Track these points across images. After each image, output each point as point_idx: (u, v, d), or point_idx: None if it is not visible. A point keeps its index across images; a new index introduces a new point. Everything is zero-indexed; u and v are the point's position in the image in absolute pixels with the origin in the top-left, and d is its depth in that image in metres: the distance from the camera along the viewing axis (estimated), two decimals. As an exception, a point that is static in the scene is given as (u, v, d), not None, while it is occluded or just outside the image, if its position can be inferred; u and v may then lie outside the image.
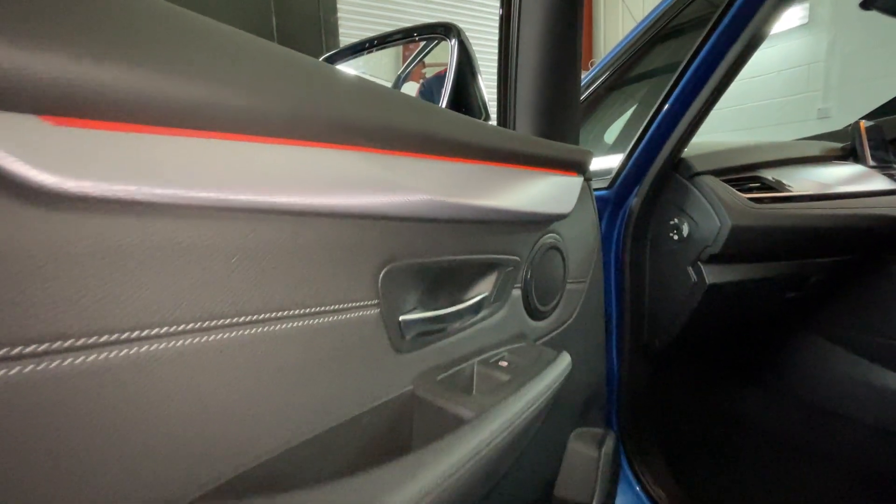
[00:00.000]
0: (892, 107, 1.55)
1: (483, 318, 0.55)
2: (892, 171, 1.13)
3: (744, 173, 0.95)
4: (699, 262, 0.89)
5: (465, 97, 0.63)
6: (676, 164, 0.90)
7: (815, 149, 1.12)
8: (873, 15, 3.20)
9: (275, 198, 0.28)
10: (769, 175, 0.96)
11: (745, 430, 1.28)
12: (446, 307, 0.48)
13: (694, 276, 0.90)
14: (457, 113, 0.48)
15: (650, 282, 0.99)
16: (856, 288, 1.13)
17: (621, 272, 0.96)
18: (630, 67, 1.18)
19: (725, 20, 0.76)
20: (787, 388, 1.30)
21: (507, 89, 0.62)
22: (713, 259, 0.88)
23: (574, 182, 0.66)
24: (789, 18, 3.55)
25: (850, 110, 3.45)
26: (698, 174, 0.89)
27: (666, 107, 0.84)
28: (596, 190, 0.95)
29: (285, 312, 0.32)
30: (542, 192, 0.58)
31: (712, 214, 0.85)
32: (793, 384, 1.29)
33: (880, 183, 1.05)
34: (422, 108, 0.41)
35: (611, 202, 0.94)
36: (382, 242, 0.40)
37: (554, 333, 0.70)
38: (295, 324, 0.33)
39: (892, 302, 1.08)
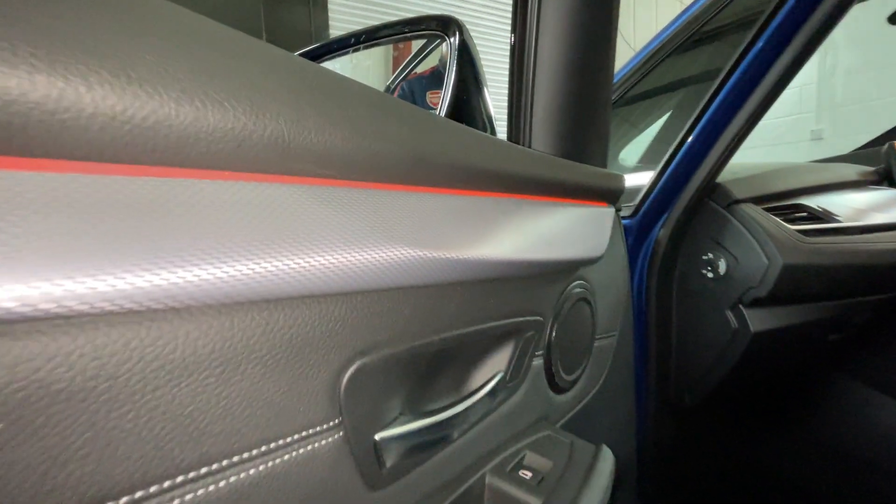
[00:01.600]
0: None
1: (497, 406, 0.40)
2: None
3: (784, 200, 0.82)
4: (740, 306, 0.75)
5: (466, 109, 0.49)
6: (711, 190, 0.77)
7: (851, 172, 1.00)
8: (865, 37, 3.18)
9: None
10: (812, 203, 0.83)
11: (783, 488, 1.13)
12: (446, 404, 0.33)
13: (734, 323, 0.75)
14: (449, 120, 0.34)
15: (677, 327, 0.85)
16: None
17: (645, 316, 0.82)
18: (653, 77, 1.06)
19: (776, 21, 0.64)
20: (827, 441, 1.16)
21: (521, 96, 0.48)
22: (756, 302, 0.74)
23: (605, 215, 0.52)
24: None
25: (843, 132, 3.43)
26: (737, 202, 0.75)
27: (703, 122, 0.71)
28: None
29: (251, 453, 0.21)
30: (569, 230, 0.44)
31: (758, 250, 0.71)
32: (834, 436, 1.14)
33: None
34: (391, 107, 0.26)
35: (633, 232, 0.80)
36: (346, 329, 0.25)
37: (579, 407, 0.55)
38: (259, 468, 0.21)
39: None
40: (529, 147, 0.50)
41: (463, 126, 0.33)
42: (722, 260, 0.76)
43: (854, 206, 0.91)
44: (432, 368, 0.32)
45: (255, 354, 0.21)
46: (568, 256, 0.43)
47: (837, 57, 3.31)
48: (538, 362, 0.46)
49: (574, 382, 0.52)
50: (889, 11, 1.39)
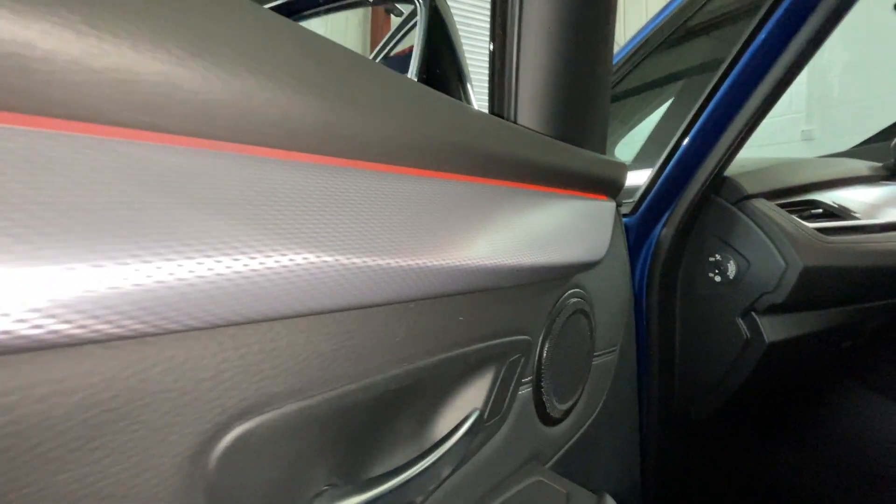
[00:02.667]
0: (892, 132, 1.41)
1: (474, 451, 0.31)
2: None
3: (797, 196, 0.75)
4: (753, 314, 0.67)
5: (437, 74, 0.40)
6: (718, 185, 0.69)
7: (862, 167, 0.93)
8: (854, 38, 3.16)
9: None
10: (828, 199, 0.75)
11: (795, 502, 1.06)
12: (402, 461, 0.24)
13: (746, 332, 0.67)
14: (419, 84, 0.25)
15: (681, 335, 0.76)
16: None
17: (647, 323, 0.74)
18: (642, 71, 0.99)
19: (785, 3, 0.56)
20: (840, 453, 1.09)
21: (504, 65, 0.39)
22: (771, 309, 0.66)
23: (606, 210, 0.43)
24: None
25: (834, 132, 3.41)
26: (748, 197, 0.67)
27: (707, 111, 0.63)
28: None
29: None
30: (564, 228, 0.35)
31: (773, 252, 0.63)
32: (848, 448, 1.07)
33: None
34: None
35: (633, 232, 0.72)
36: (222, 380, 0.16)
37: (575, 438, 0.46)
38: None
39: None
40: (514, 122, 0.41)
41: (424, 87, 0.24)
42: (731, 262, 0.68)
43: (868, 201, 0.83)
44: (378, 416, 0.23)
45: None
46: (562, 260, 0.34)
47: (827, 59, 3.29)
48: (525, 391, 0.37)
49: (569, 411, 0.43)
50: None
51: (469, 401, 0.31)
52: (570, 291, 0.41)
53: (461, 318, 0.26)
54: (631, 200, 0.71)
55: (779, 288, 0.63)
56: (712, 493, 1.07)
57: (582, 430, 0.47)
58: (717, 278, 0.70)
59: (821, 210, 0.73)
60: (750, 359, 0.68)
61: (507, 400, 0.34)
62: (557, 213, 0.35)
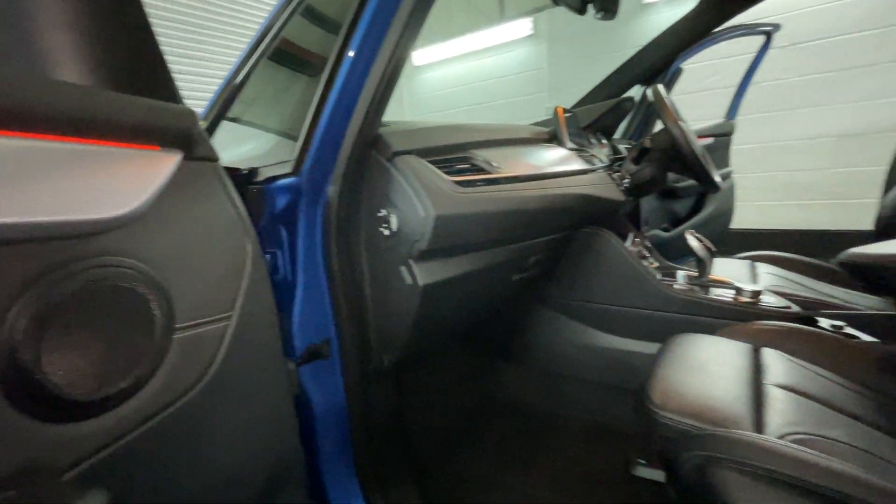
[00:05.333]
0: (590, 100, 1.79)
1: None
2: (587, 154, 1.23)
3: (455, 154, 0.85)
4: (410, 261, 0.74)
5: None
6: (374, 142, 0.73)
7: (524, 132, 1.13)
8: (578, 30, 3.81)
9: None
10: (479, 156, 0.88)
11: (509, 410, 1.28)
12: None
13: (408, 278, 0.75)
14: None
15: (371, 290, 0.81)
16: (569, 262, 1.20)
17: (333, 281, 0.76)
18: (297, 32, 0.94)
19: None
20: (533, 362, 1.35)
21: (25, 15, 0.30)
22: (426, 255, 0.74)
23: (155, 161, 0.39)
24: (521, 28, 4.08)
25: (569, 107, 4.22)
26: (399, 153, 0.73)
27: (345, 66, 0.65)
28: (281, 177, 0.71)
29: None
30: (64, 183, 0.29)
31: (415, 202, 0.70)
32: (537, 357, 1.33)
33: (577, 164, 1.11)
34: None
35: (305, 192, 0.71)
36: None
37: (159, 418, 0.42)
38: None
39: (595, 272, 1.17)
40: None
41: None
42: (393, 215, 0.74)
43: (527, 161, 1.01)
44: None
45: None
46: (51, 219, 0.29)
47: (559, 47, 3.98)
48: None
49: (111, 402, 0.38)
50: None
51: None
52: (91, 261, 0.36)
53: None
54: (290, 160, 0.70)
55: (423, 235, 0.71)
56: (430, 426, 1.22)
57: (175, 407, 0.44)
58: (386, 231, 0.75)
59: (468, 165, 0.84)
60: (413, 302, 0.75)
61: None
62: (52, 167, 0.29)
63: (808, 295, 1.09)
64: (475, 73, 4.48)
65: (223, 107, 0.88)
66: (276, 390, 0.60)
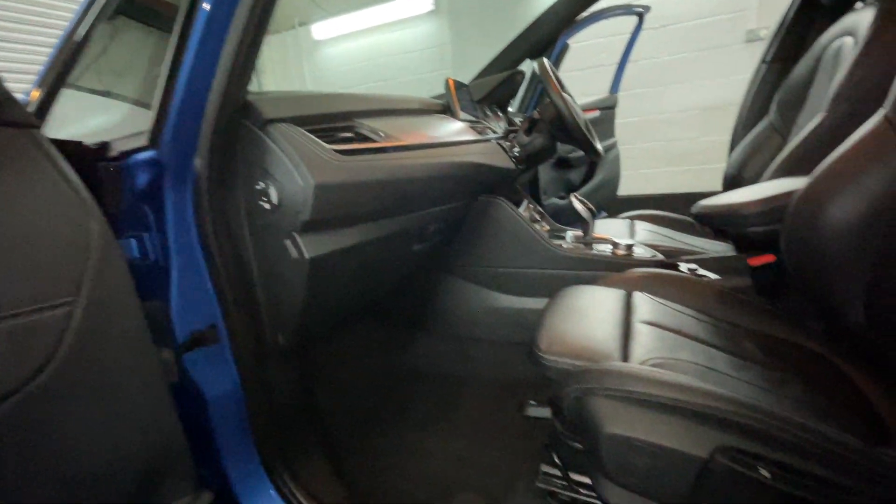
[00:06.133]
0: (486, 74, 1.83)
1: None
2: (481, 126, 1.26)
3: (338, 123, 0.83)
4: (295, 234, 0.72)
5: None
6: (243, 109, 0.68)
7: (415, 103, 1.13)
8: (478, 5, 3.84)
9: None
10: (365, 125, 0.87)
11: (419, 379, 1.31)
12: None
13: (294, 252, 0.72)
14: None
15: (259, 268, 0.77)
16: (469, 230, 1.24)
17: (212, 263, 0.71)
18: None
19: None
20: (443, 329, 1.39)
21: None
22: (310, 227, 0.72)
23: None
24: (422, 3, 4.03)
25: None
26: (272, 122, 0.69)
27: (200, 18, 0.59)
28: (135, 151, 0.64)
29: None
30: None
31: (293, 172, 0.68)
32: (446, 324, 1.37)
33: (469, 135, 1.14)
34: None
35: (168, 167, 0.65)
36: None
37: None
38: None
39: (493, 238, 1.23)
40: None
41: None
42: (272, 188, 0.70)
43: (417, 130, 1.01)
44: None
45: None
46: None
47: (459, 24, 4.01)
48: None
49: None
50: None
51: None
52: None
53: None
54: (143, 131, 0.63)
55: (304, 206, 0.68)
56: (342, 412, 1.23)
57: (10, 402, 0.39)
58: (267, 206, 0.72)
59: (352, 134, 0.82)
60: (301, 277, 0.73)
61: None
62: None
63: (672, 245, 1.24)
64: (380, 49, 4.36)
65: (62, 71, 0.76)
66: (144, 380, 0.55)
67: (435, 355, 1.38)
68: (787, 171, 0.97)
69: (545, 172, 2.01)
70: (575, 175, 2.26)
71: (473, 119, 1.25)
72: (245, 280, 0.76)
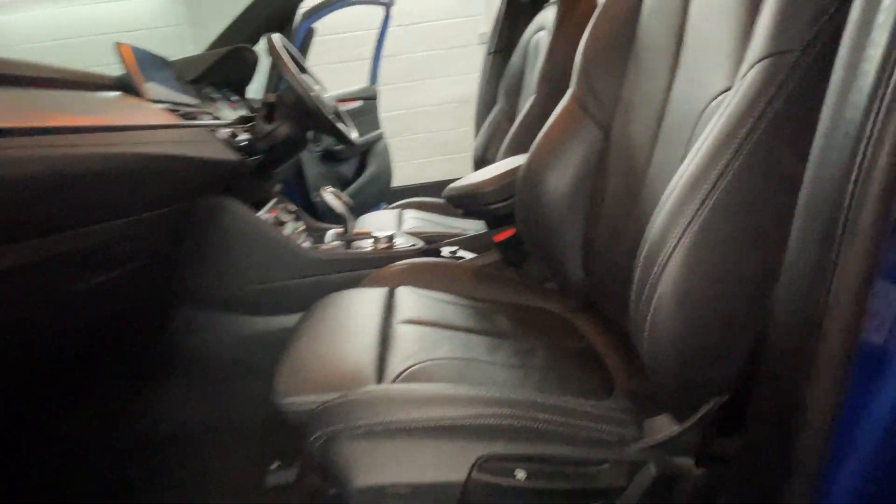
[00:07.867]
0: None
1: None
2: (191, 110, 0.98)
3: None
4: None
5: None
6: None
7: (70, 74, 0.79)
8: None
9: None
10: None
11: (166, 440, 0.98)
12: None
13: None
14: None
15: None
16: (192, 243, 0.96)
17: None
18: None
19: None
20: (194, 373, 1.07)
21: None
22: None
23: None
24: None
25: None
26: None
27: None
28: None
29: None
30: None
31: None
32: (196, 368, 1.06)
33: (161, 118, 0.85)
34: None
35: None
36: None
37: None
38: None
39: (225, 249, 0.98)
40: None
41: None
42: None
43: (63, 110, 0.68)
44: None
45: None
46: None
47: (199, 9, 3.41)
48: None
49: None
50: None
51: None
52: None
53: None
54: None
55: None
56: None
57: None
58: None
59: None
60: None
61: None
62: None
63: (436, 230, 1.23)
64: (87, 24, 3.36)
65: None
66: None
67: (187, 405, 1.06)
68: (514, 149, 1.04)
69: (312, 166, 1.82)
70: (346, 168, 2.14)
71: (175, 102, 0.96)
72: None
